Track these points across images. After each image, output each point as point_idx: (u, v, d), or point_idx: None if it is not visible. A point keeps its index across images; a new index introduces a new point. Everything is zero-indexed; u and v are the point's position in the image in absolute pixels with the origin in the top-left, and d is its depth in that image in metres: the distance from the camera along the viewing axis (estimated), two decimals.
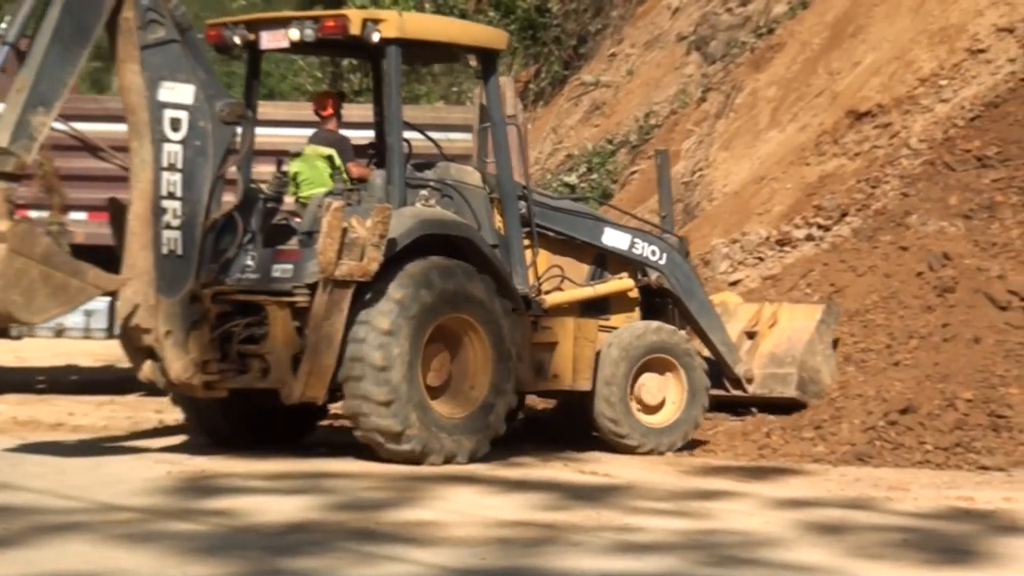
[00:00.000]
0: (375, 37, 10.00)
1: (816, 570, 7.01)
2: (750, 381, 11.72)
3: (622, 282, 11.35)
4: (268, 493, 8.65)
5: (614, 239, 11.27)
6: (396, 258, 9.77)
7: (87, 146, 10.42)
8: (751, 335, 11.90)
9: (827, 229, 14.59)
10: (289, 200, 10.71)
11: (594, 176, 20.25)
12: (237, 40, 10.35)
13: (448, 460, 9.88)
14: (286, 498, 8.45)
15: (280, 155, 10.88)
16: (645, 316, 11.38)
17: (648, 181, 18.50)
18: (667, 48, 22.58)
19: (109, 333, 13.85)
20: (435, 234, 10.01)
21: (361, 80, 27.48)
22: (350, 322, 9.64)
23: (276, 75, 31.66)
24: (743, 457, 10.96)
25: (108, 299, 13.43)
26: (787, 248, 14.67)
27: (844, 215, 14.61)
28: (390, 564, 6.84)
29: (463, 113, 14.62)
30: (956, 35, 16.02)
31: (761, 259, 14.74)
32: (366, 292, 9.69)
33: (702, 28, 21.52)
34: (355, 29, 9.99)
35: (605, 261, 11.32)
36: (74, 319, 13.85)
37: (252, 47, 10.47)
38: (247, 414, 10.48)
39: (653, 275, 11.42)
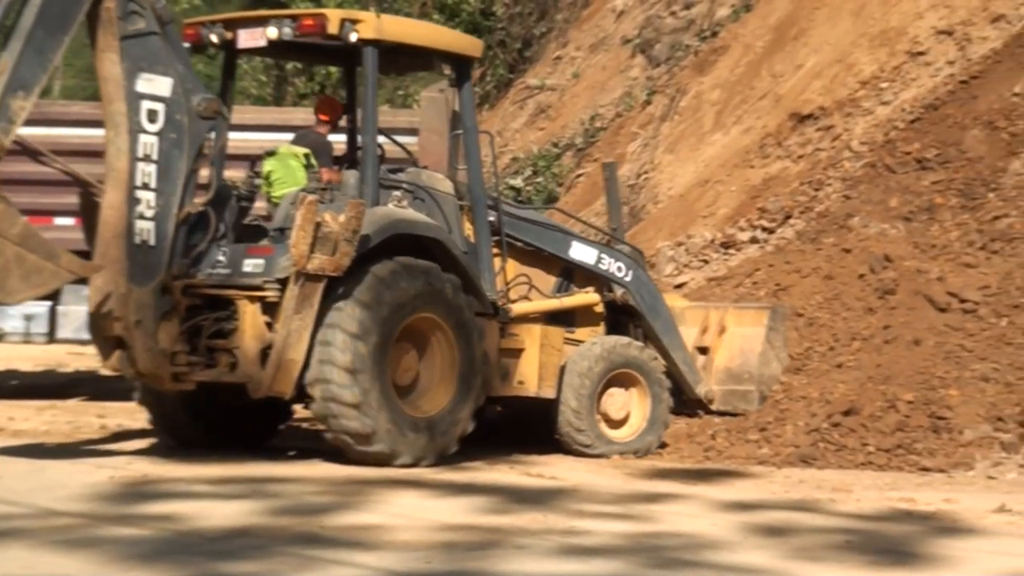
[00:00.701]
0: (352, 37, 10.00)
1: (761, 572, 7.03)
2: (711, 402, 11.80)
3: (588, 296, 11.44)
4: (211, 498, 8.59)
5: (581, 253, 11.37)
6: (366, 257, 9.77)
7: (27, 150, 10.31)
8: (703, 350, 11.95)
9: (771, 232, 14.69)
10: (260, 204, 10.71)
11: (540, 179, 20.28)
12: (215, 39, 10.36)
13: (417, 461, 9.90)
14: (229, 502, 8.39)
15: (245, 159, 10.87)
16: (608, 332, 11.45)
17: (594, 184, 18.56)
18: (612, 51, 22.65)
19: (50, 338, 13.72)
20: (405, 235, 10.03)
21: (305, 84, 27.40)
22: (319, 320, 9.66)
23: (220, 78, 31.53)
24: (688, 459, 11.00)
25: (48, 303, 13.36)
26: (732, 250, 14.76)
27: (788, 217, 14.71)
28: (334, 568, 6.80)
29: (408, 116, 14.60)
30: (896, 38, 16.17)
31: (706, 261, 14.82)
32: (336, 291, 9.70)
33: (646, 31, 21.61)
34: (333, 28, 9.99)
35: (572, 274, 11.41)
36: (13, 323, 13.71)
37: (229, 46, 10.47)
38: (210, 415, 10.46)
39: (619, 291, 11.50)
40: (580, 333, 11.30)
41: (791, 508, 8.82)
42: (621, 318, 11.60)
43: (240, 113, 13.27)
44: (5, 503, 8.21)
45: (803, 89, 16.63)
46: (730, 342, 11.94)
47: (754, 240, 14.81)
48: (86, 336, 11.41)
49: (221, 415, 10.51)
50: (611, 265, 11.45)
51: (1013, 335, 11.64)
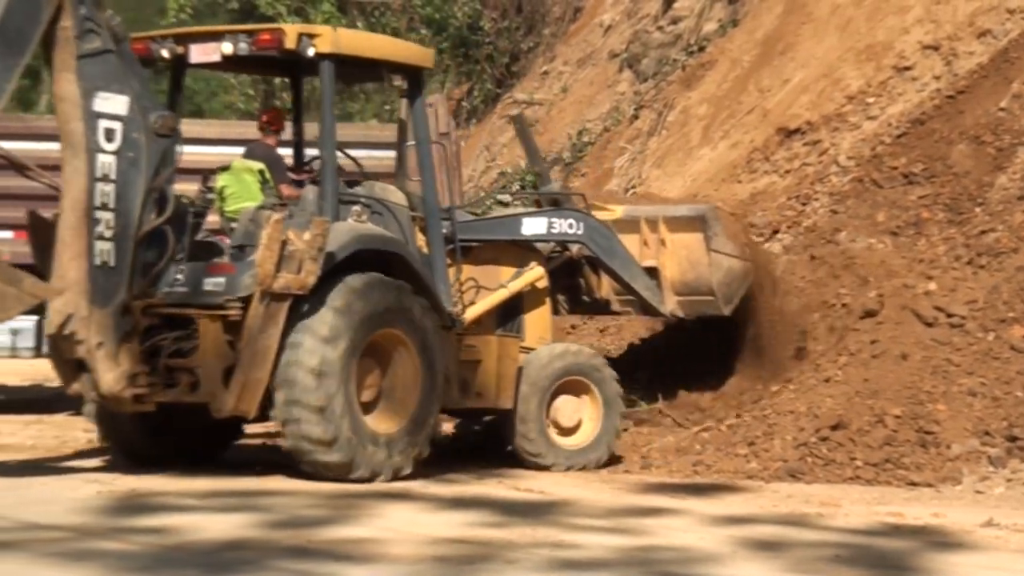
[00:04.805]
0: (310, 52, 9.97)
1: None
2: (676, 317, 12.07)
3: (533, 272, 11.37)
4: (202, 511, 8.58)
5: (532, 226, 11.36)
6: (330, 274, 9.74)
7: (14, 165, 10.29)
8: (652, 271, 12.00)
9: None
10: (212, 219, 10.62)
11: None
12: (165, 53, 10.27)
13: (373, 476, 9.82)
14: (220, 516, 8.38)
15: (193, 173, 10.75)
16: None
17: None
18: (599, 66, 22.70)
19: (36, 352, 13.69)
20: (368, 250, 9.99)
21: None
22: (285, 336, 9.60)
23: (205, 92, 31.46)
24: (677, 474, 11.01)
25: (35, 317, 13.33)
26: None
27: (775, 232, 14.75)
28: None
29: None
30: (883, 53, 16.23)
31: None
32: (303, 304, 9.65)
33: (634, 46, 21.66)
34: (291, 43, 9.95)
35: (525, 257, 11.37)
36: (0, 338, 13.69)
37: (180, 61, 10.38)
38: (165, 432, 10.33)
39: (574, 248, 11.53)
40: (529, 321, 11.22)
41: (780, 523, 8.83)
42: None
43: (185, 126, 13.21)
44: None
45: (790, 104, 16.69)
46: (674, 254, 12.06)
47: None
48: None
49: (174, 432, 10.37)
50: (562, 225, 11.45)
51: (1000, 350, 11.67)
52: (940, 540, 8.39)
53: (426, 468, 10.20)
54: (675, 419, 12.18)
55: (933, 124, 14.82)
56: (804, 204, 14.97)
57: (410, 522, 8.44)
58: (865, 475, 10.65)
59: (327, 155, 10.17)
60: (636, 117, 20.04)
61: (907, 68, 15.92)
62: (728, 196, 16.04)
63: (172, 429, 10.34)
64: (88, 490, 9.20)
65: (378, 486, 9.75)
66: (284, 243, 9.48)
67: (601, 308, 12.37)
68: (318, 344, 9.59)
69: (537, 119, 23.07)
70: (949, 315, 12.10)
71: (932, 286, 12.43)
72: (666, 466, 11.21)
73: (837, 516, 9.11)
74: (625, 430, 11.80)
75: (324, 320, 9.63)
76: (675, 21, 21.20)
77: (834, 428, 11.00)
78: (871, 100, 15.86)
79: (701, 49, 19.94)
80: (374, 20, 26.93)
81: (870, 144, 15.18)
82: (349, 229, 10.03)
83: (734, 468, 10.96)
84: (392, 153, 12.93)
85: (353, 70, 10.63)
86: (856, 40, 16.69)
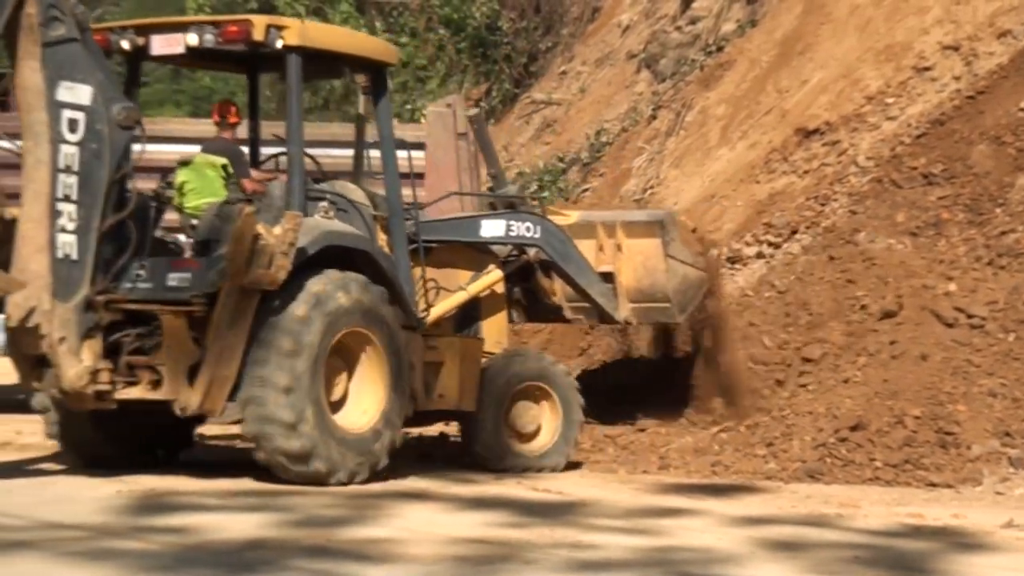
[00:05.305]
0: (278, 44, 9.76)
1: None
2: (630, 323, 12.13)
3: (492, 275, 11.30)
4: (222, 511, 8.59)
5: (491, 229, 11.26)
6: (297, 270, 9.53)
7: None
8: (607, 276, 11.93)
9: (777, 247, 14.69)
10: (171, 216, 10.40)
11: (545, 194, 20.27)
12: (125, 45, 10.02)
13: (351, 478, 9.67)
14: (240, 515, 8.40)
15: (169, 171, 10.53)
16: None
17: (600, 199, 18.58)
18: (617, 66, 22.67)
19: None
20: (334, 248, 9.81)
21: (310, 98, 27.41)
22: (252, 336, 9.43)
23: (223, 92, 31.51)
24: (696, 474, 11.00)
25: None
26: (738, 265, 14.75)
27: (794, 232, 14.71)
28: None
29: (414, 131, 14.62)
30: (902, 53, 16.18)
31: None
32: (269, 307, 9.47)
33: (652, 46, 21.63)
34: (259, 35, 9.74)
35: (484, 260, 11.30)
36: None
37: (141, 53, 10.14)
38: (118, 431, 10.12)
39: (532, 251, 11.48)
40: (486, 325, 11.15)
41: (799, 523, 8.82)
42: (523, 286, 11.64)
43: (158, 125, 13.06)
44: (14, 517, 8.22)
45: (809, 104, 16.64)
46: (631, 259, 11.99)
47: (760, 255, 14.81)
48: None
49: (128, 431, 10.17)
50: (520, 228, 11.36)
51: (1020, 350, 11.64)
52: (960, 541, 8.37)
53: (444, 467, 10.19)
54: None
55: (953, 124, 14.77)
56: (823, 205, 14.93)
57: (429, 522, 8.44)
58: (885, 476, 10.63)
59: (294, 151, 9.93)
60: (654, 117, 20.01)
61: (927, 68, 15.86)
62: (747, 196, 16.02)
63: (126, 430, 10.12)
64: (108, 489, 9.21)
65: (397, 486, 9.76)
66: (255, 238, 9.27)
67: (554, 314, 12.24)
68: (283, 359, 9.38)
69: (555, 119, 23.06)
70: (969, 316, 12.08)
71: (952, 287, 12.40)
72: (684, 467, 11.20)
73: (856, 517, 9.09)
74: (643, 430, 11.79)
75: (288, 332, 9.42)
76: (693, 21, 21.16)
77: (853, 429, 10.98)
78: (890, 100, 15.81)
79: (719, 49, 19.90)
80: (392, 20, 26.93)
81: (889, 144, 15.13)
82: (316, 225, 9.82)
83: (753, 469, 10.95)
84: (417, 153, 12.86)
85: (319, 65, 10.36)
86: (875, 40, 16.65)
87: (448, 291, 10.94)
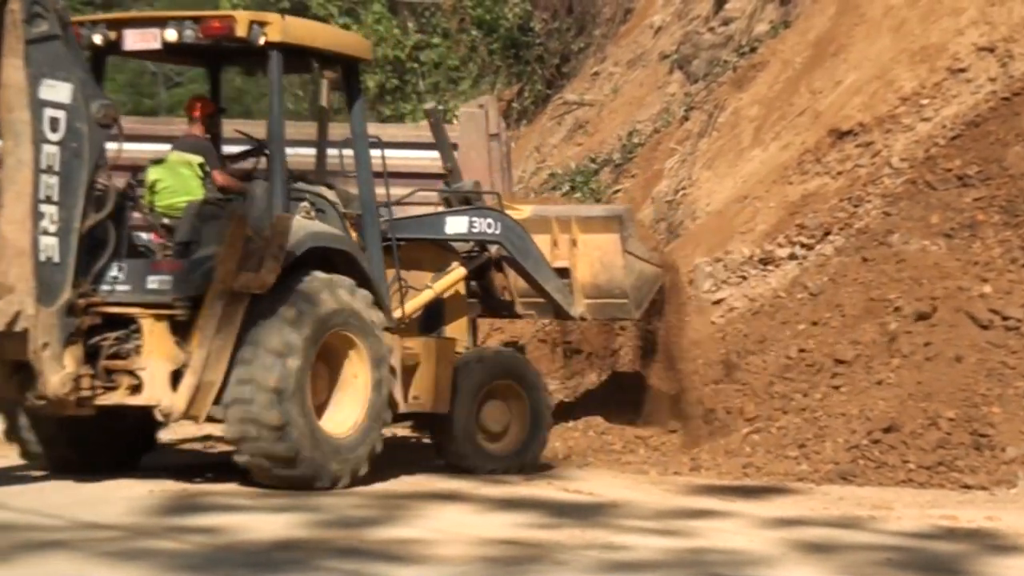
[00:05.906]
0: (260, 40, 9.58)
1: None
2: (584, 320, 11.99)
3: (456, 272, 11.15)
4: (253, 511, 8.62)
5: (455, 225, 11.09)
6: (284, 272, 9.33)
7: None
8: (563, 272, 11.76)
9: (810, 248, 14.64)
10: (137, 215, 10.15)
11: (577, 195, 20.27)
12: (97, 40, 9.82)
13: (334, 482, 9.50)
14: (271, 516, 8.42)
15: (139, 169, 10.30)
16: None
17: (632, 199, 18.54)
18: (650, 67, 22.64)
19: None
20: (317, 249, 9.66)
21: (339, 99, 27.45)
22: (238, 338, 9.24)
23: (254, 93, 31.56)
24: (727, 476, 10.97)
25: None
26: (770, 267, 14.71)
27: (827, 234, 14.66)
28: None
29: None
30: (937, 54, 16.10)
31: (744, 278, 14.77)
32: (256, 308, 9.27)
33: (685, 47, 21.58)
34: (241, 31, 9.54)
35: (446, 257, 11.17)
36: None
37: (112, 48, 9.95)
38: (85, 437, 9.88)
39: (493, 248, 11.35)
40: (450, 324, 11.01)
41: (832, 525, 8.79)
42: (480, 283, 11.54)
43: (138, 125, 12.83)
44: (48, 516, 8.27)
45: (842, 105, 16.58)
46: (586, 255, 11.82)
47: (793, 256, 14.76)
48: None
49: (94, 437, 9.92)
50: (481, 224, 11.18)
51: None
52: (994, 543, 8.32)
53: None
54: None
55: (988, 126, 14.69)
56: (856, 206, 14.86)
57: (459, 523, 8.44)
58: (918, 478, 10.59)
59: (275, 149, 9.76)
60: (686, 118, 19.96)
61: (961, 70, 15.78)
62: (779, 198, 15.97)
63: (92, 436, 9.90)
64: (140, 489, 9.25)
65: (428, 486, 9.76)
66: (247, 240, 9.10)
67: (506, 310, 12.10)
68: (273, 359, 9.22)
69: (587, 120, 23.05)
70: (1004, 318, 12.01)
71: (987, 288, 12.34)
72: (716, 468, 11.18)
73: (889, 519, 9.05)
74: (674, 431, 11.75)
75: (277, 332, 9.25)
76: (726, 22, 21.11)
77: (886, 430, 10.94)
78: (925, 102, 15.73)
79: (752, 50, 19.84)
80: (424, 21, 26.97)
81: (924, 146, 15.06)
82: (300, 226, 9.64)
83: (784, 470, 10.91)
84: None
85: (296, 60, 10.14)
86: (910, 42, 16.57)
87: (416, 290, 10.79)
